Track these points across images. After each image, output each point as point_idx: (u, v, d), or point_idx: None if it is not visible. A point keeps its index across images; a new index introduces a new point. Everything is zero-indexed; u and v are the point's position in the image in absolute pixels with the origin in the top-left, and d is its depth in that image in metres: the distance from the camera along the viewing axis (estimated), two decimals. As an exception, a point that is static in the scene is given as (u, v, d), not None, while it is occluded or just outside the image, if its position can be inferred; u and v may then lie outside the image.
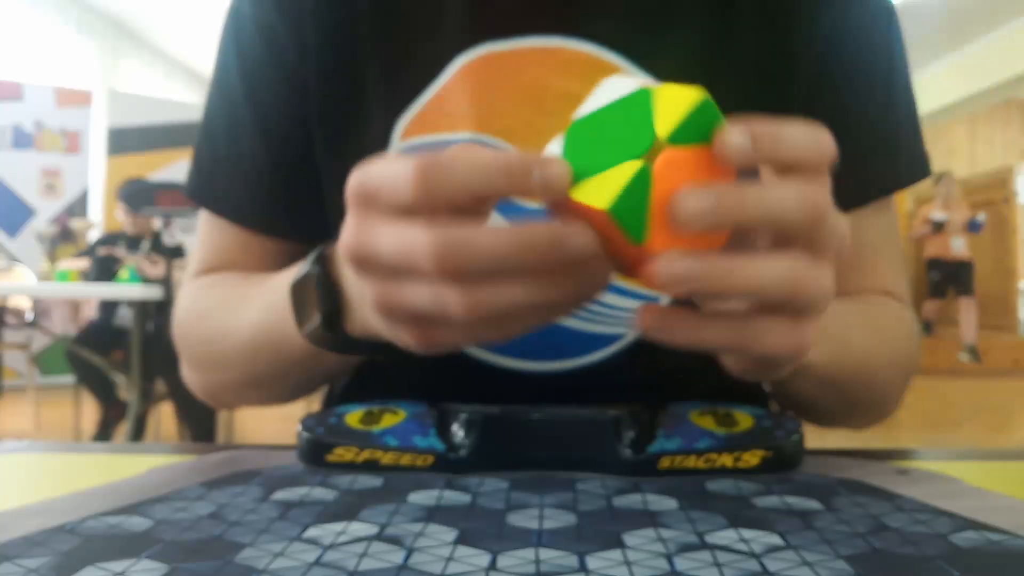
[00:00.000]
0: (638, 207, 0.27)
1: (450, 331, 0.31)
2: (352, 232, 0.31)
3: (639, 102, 0.29)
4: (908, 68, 0.56)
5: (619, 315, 0.52)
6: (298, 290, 0.43)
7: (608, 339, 0.53)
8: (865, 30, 0.54)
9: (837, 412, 0.52)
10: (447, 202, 0.28)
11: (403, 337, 0.32)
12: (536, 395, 0.51)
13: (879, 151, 0.54)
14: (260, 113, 0.56)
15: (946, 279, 6.52)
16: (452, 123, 0.51)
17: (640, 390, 0.50)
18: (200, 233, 0.60)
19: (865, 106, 0.54)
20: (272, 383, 0.53)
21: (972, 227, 6.50)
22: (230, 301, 0.53)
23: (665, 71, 0.50)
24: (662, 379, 0.52)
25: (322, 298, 0.41)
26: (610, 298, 0.52)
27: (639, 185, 0.27)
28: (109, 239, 3.76)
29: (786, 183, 0.29)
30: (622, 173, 0.27)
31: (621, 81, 0.30)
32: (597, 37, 0.50)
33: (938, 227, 6.51)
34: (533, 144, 0.51)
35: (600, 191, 0.27)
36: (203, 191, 0.58)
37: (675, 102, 0.28)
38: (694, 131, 0.28)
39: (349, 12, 0.53)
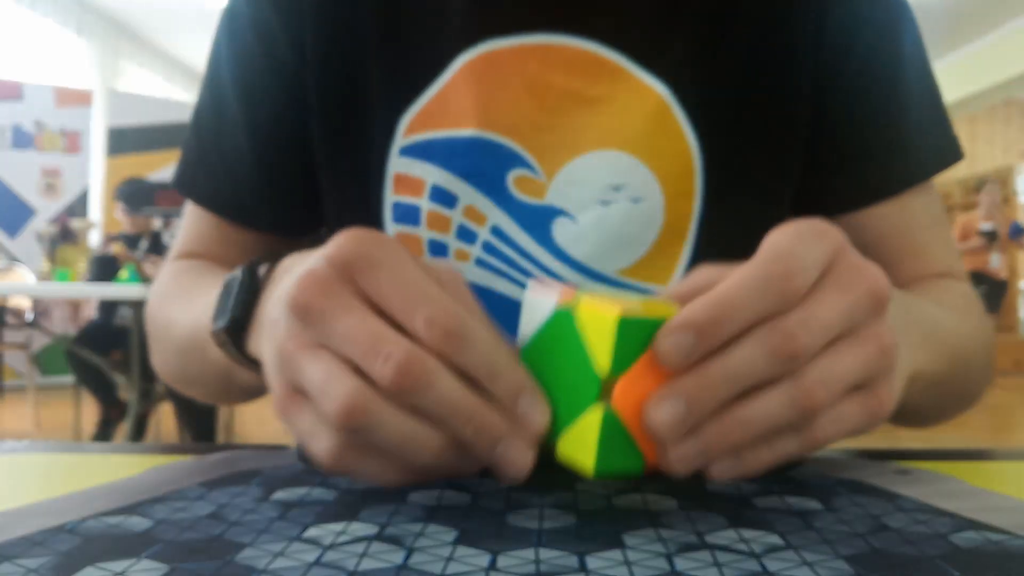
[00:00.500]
0: (619, 448, 0.28)
1: (310, 436, 0.29)
2: (290, 330, 0.29)
3: (567, 330, 0.29)
4: (926, 54, 0.56)
5: None
6: (224, 289, 0.40)
7: None
8: (879, 19, 0.54)
9: (944, 408, 0.52)
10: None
11: (273, 392, 0.30)
12: None
13: (910, 138, 0.54)
14: (249, 110, 0.57)
15: (992, 294, 5.82)
16: (455, 120, 0.51)
17: None
18: (184, 220, 0.62)
19: (890, 95, 0.54)
20: (199, 385, 0.53)
21: (1014, 232, 5.89)
22: (183, 293, 0.53)
23: (666, 68, 0.51)
24: None
25: (235, 304, 0.38)
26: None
27: (610, 430, 0.27)
28: (125, 239, 3.73)
29: (746, 340, 0.28)
30: (590, 428, 0.27)
31: (540, 295, 0.30)
32: (598, 35, 0.50)
33: (991, 237, 5.79)
34: (536, 141, 0.51)
35: (580, 451, 0.28)
36: (184, 179, 0.60)
37: (599, 329, 0.28)
38: (630, 350, 0.27)
39: (350, 12, 0.53)
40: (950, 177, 8.65)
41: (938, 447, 0.46)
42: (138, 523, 0.30)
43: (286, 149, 0.56)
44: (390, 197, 0.53)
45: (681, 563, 0.26)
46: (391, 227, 0.53)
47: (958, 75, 7.13)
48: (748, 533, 0.29)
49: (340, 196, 0.57)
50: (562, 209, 0.51)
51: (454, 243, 0.52)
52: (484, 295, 0.52)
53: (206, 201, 0.59)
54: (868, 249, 0.56)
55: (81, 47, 6.22)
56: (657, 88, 0.50)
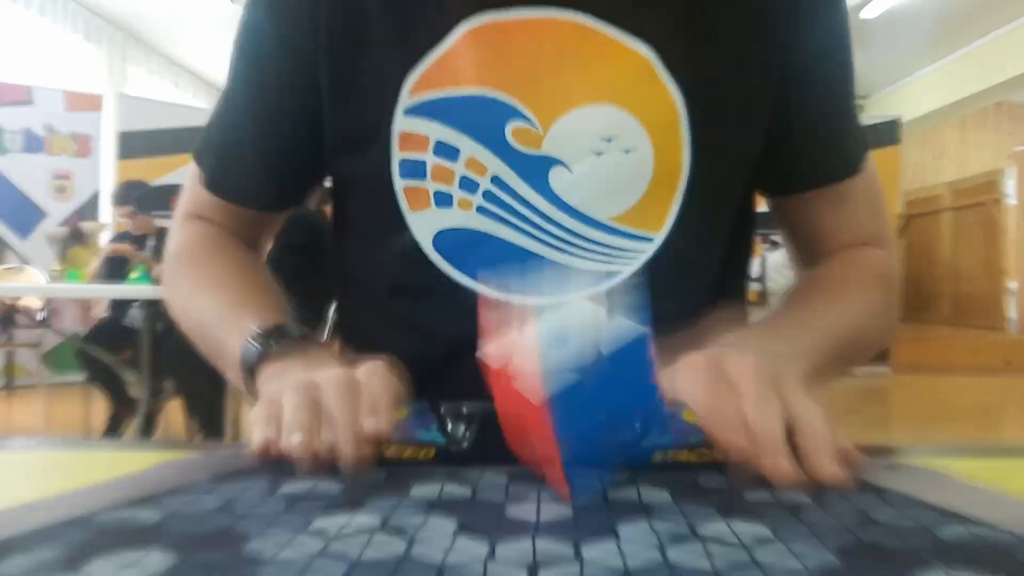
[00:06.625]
0: None
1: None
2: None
3: None
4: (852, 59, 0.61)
5: (614, 253, 0.56)
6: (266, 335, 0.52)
7: (607, 276, 0.56)
8: (830, 20, 0.58)
9: (844, 367, 0.58)
10: None
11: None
12: None
13: (848, 133, 0.61)
14: (257, 96, 0.60)
15: None
16: (458, 79, 0.55)
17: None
18: (188, 180, 0.67)
19: (839, 95, 0.60)
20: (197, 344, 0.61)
21: None
22: (211, 275, 0.61)
23: (650, 33, 0.54)
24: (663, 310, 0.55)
25: (261, 355, 0.51)
26: (601, 236, 0.56)
27: None
28: (130, 238, 3.74)
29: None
30: None
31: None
32: (587, 8, 0.54)
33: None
34: (533, 95, 0.55)
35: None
36: (198, 152, 0.66)
37: None
38: None
39: None
40: (939, 180, 8.64)
41: (926, 443, 0.47)
42: (148, 516, 0.31)
43: (289, 135, 0.60)
44: (397, 155, 0.57)
45: (673, 554, 0.27)
46: (399, 182, 0.57)
47: (949, 79, 7.13)
48: (738, 525, 0.30)
49: (351, 158, 0.59)
50: (558, 159, 0.55)
51: (457, 193, 0.56)
52: (486, 241, 0.56)
53: (206, 181, 0.64)
54: (802, 223, 0.65)
55: (90, 52, 6.26)
56: (642, 50, 0.55)
